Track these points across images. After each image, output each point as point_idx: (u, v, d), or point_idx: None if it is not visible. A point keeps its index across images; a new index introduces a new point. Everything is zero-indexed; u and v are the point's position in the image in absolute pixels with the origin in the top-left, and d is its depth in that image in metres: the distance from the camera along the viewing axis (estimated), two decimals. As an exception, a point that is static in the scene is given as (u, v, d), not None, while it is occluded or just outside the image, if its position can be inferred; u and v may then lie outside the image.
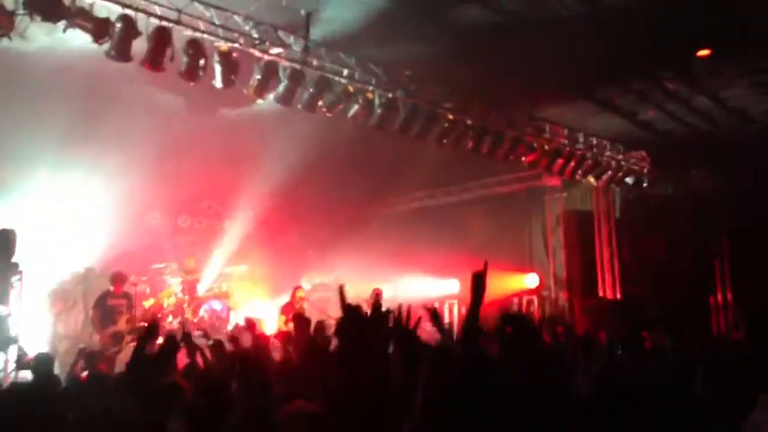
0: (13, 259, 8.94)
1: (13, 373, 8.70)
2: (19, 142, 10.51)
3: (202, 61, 7.75)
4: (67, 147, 10.77)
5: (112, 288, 10.18)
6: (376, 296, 11.86)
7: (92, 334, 10.12)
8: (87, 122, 9.96)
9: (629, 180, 13.28)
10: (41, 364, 4.35)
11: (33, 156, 11.07)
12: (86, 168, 11.99)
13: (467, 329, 3.02)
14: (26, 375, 7.69)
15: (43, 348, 9.86)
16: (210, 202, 15.69)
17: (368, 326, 2.44)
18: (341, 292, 2.53)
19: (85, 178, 12.29)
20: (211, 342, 6.13)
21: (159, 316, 12.67)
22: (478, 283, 2.98)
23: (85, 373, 5.34)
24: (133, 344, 9.61)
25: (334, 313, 14.37)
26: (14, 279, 8.86)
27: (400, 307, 3.10)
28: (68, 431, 3.39)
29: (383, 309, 2.52)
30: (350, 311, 2.48)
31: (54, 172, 12.07)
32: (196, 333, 12.09)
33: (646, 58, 9.66)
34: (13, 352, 8.77)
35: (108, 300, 10.04)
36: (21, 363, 5.84)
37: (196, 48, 7.71)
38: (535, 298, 14.04)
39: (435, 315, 4.01)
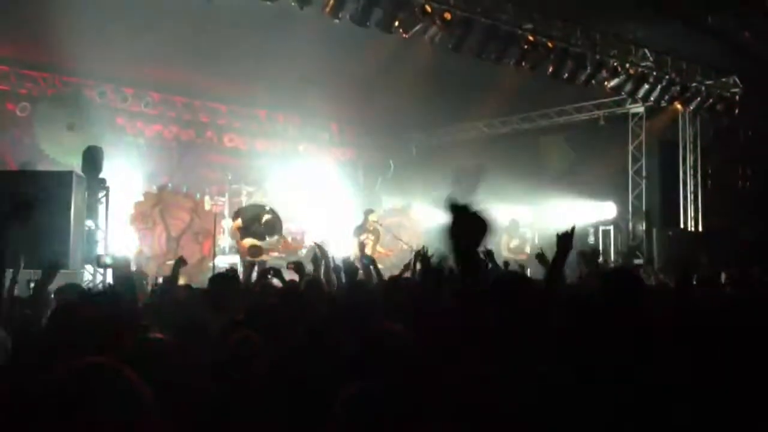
0: (101, 175, 9.27)
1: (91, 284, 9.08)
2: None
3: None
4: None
5: None
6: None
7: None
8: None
9: (719, 107, 12.57)
10: (118, 265, 4.51)
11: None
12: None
13: (550, 289, 3.09)
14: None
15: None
16: (284, 124, 15.82)
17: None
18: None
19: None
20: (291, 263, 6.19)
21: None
22: (564, 244, 3.08)
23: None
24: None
25: (406, 237, 14.56)
26: (101, 195, 9.22)
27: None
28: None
29: None
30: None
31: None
32: (273, 254, 12.48)
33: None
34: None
35: None
36: (99, 263, 6.09)
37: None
38: (611, 228, 13.71)
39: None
